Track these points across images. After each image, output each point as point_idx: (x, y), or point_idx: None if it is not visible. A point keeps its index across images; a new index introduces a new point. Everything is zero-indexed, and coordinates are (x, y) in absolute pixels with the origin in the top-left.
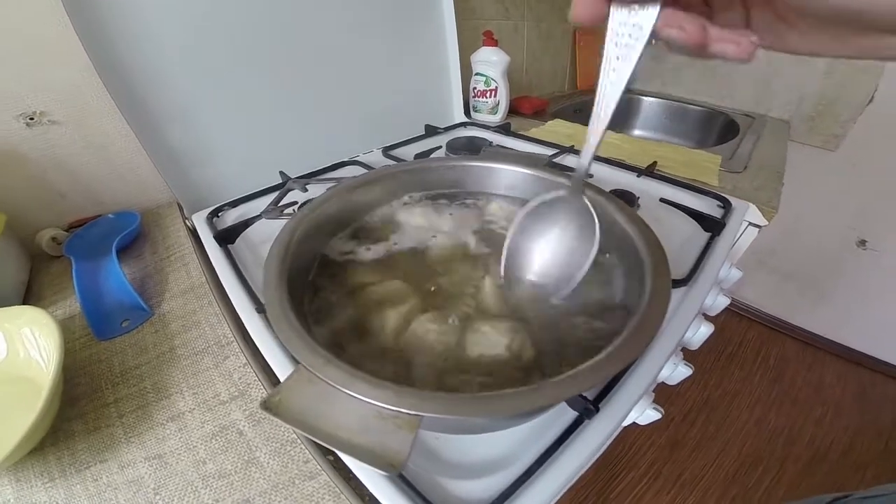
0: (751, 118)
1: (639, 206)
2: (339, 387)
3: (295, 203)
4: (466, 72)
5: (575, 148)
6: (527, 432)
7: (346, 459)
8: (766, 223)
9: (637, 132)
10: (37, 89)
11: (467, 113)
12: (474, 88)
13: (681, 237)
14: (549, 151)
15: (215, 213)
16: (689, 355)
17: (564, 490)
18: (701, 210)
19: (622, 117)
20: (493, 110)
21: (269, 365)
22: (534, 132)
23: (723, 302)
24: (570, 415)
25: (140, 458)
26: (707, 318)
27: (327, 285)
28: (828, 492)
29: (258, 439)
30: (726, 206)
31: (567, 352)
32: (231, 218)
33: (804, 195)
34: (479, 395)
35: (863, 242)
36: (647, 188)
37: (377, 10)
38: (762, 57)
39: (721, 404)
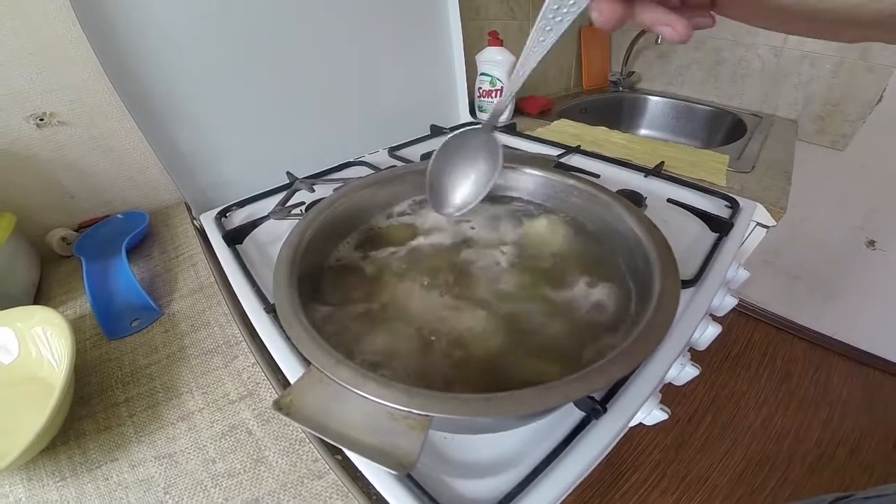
0: (758, 118)
1: (646, 206)
2: (350, 387)
3: (302, 203)
4: (472, 72)
5: (581, 148)
6: (534, 432)
7: (357, 459)
8: (774, 223)
9: (643, 132)
10: (46, 91)
11: (473, 113)
12: (479, 88)
13: (688, 238)
14: (556, 151)
15: (223, 214)
16: (696, 355)
17: (571, 490)
18: (709, 210)
19: (628, 117)
20: None
21: (277, 365)
22: (539, 132)
23: (730, 302)
24: (578, 415)
25: (150, 457)
26: (714, 318)
27: (337, 283)
28: (834, 492)
29: (267, 438)
30: (734, 206)
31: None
32: (239, 218)
33: (812, 195)
34: (489, 396)
35: (872, 243)
36: (655, 188)
37: (382, 10)
38: (770, 56)
39: (727, 404)
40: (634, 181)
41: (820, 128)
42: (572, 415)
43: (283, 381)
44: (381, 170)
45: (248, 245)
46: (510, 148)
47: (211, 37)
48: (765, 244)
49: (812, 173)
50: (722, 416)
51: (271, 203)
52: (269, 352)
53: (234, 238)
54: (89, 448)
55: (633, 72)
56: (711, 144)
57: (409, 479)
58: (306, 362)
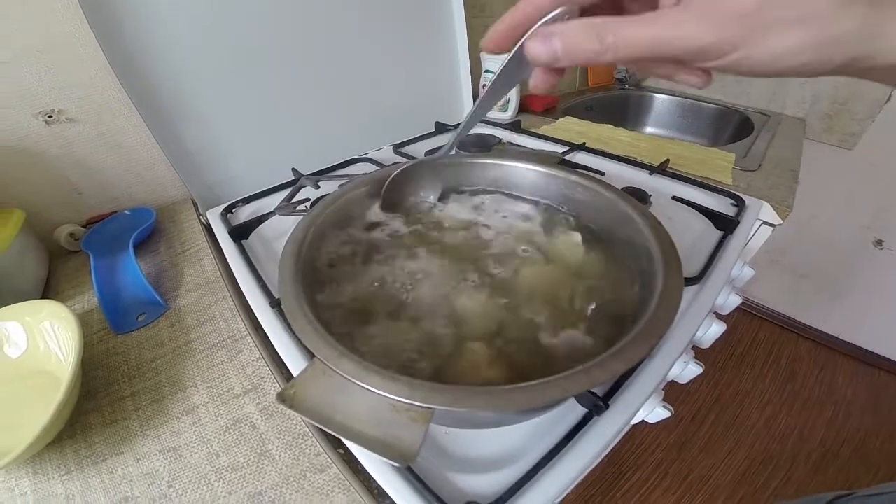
0: (766, 116)
1: (651, 203)
2: (353, 379)
3: (307, 199)
4: (477, 69)
5: (586, 145)
6: (535, 428)
7: (358, 451)
8: (781, 222)
9: (650, 130)
10: (55, 88)
11: None
12: (484, 85)
13: (693, 235)
14: (561, 149)
15: (229, 210)
16: (700, 354)
17: (572, 486)
18: (714, 208)
19: (634, 114)
20: (504, 107)
21: (281, 359)
22: (545, 129)
23: (735, 301)
24: (580, 411)
25: (155, 450)
26: (719, 316)
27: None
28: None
29: (271, 432)
30: (740, 204)
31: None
32: (245, 214)
33: (820, 194)
34: (490, 389)
35: (879, 242)
36: (660, 186)
37: (387, 7)
38: None
39: (731, 404)
40: (639, 179)
41: (828, 126)
42: (574, 411)
43: (287, 376)
44: (385, 166)
45: (253, 241)
46: (514, 145)
47: (218, 36)
48: (771, 243)
49: (820, 172)
50: (725, 415)
51: (277, 199)
52: (273, 346)
53: (240, 234)
54: (95, 442)
55: None
56: (718, 142)
57: (411, 474)
58: (310, 356)
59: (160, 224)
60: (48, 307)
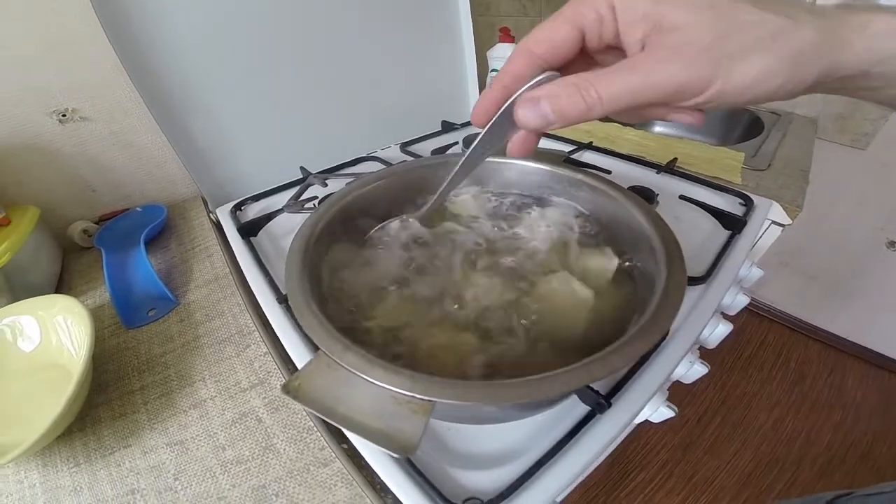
0: (776, 115)
1: (658, 202)
2: (356, 372)
3: (315, 197)
4: (483, 68)
5: (593, 144)
6: (538, 426)
7: (361, 445)
8: (790, 222)
9: (658, 128)
10: (69, 87)
11: None
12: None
13: (700, 235)
14: (567, 148)
15: (238, 207)
16: (706, 355)
17: (575, 484)
18: (721, 207)
19: None
20: None
21: (288, 354)
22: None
23: (742, 301)
24: (582, 409)
25: (162, 443)
26: (726, 316)
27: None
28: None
29: (276, 426)
30: (748, 203)
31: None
32: (253, 211)
33: (831, 194)
34: (490, 383)
35: (892, 244)
36: (667, 185)
37: (394, 7)
38: None
39: (738, 406)
40: (647, 178)
41: (840, 126)
42: (577, 409)
43: (293, 370)
44: (392, 165)
45: (262, 237)
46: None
47: (227, 36)
48: (781, 243)
49: (832, 172)
50: (732, 416)
51: (285, 197)
52: (280, 341)
53: (249, 231)
54: (104, 435)
55: None
56: (728, 142)
57: (413, 468)
58: (316, 350)
59: (171, 221)
60: (61, 302)
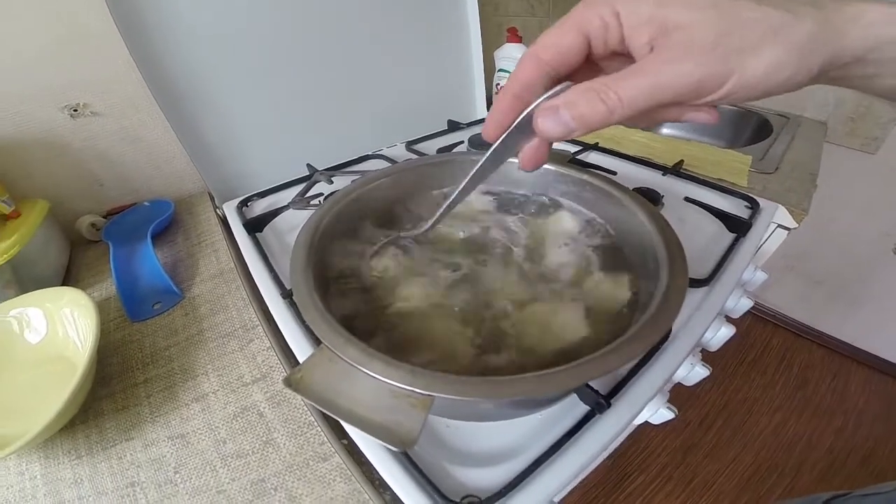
0: (785, 118)
1: (663, 204)
2: (357, 365)
3: (321, 194)
4: (490, 68)
5: (599, 145)
6: (537, 425)
7: (360, 440)
8: (796, 225)
9: (666, 130)
10: (81, 82)
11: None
12: (497, 85)
13: (704, 237)
14: (573, 148)
15: (245, 203)
16: (709, 358)
17: (573, 484)
18: (727, 210)
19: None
20: None
21: (290, 349)
22: None
23: (746, 304)
24: (582, 409)
25: (164, 437)
26: (729, 319)
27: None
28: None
29: (277, 421)
30: (754, 206)
31: None
32: (260, 208)
33: (839, 198)
34: (489, 379)
35: None
36: (673, 187)
37: (402, 7)
38: None
39: (740, 410)
40: (653, 179)
41: (850, 130)
42: (577, 408)
43: (295, 365)
44: (397, 162)
45: (267, 233)
46: None
47: (237, 35)
48: (787, 247)
49: (841, 176)
50: (733, 420)
51: (291, 194)
52: (283, 336)
53: (255, 226)
54: (106, 427)
55: None
56: (736, 144)
57: (411, 465)
58: (318, 344)
59: (178, 216)
60: (68, 294)
